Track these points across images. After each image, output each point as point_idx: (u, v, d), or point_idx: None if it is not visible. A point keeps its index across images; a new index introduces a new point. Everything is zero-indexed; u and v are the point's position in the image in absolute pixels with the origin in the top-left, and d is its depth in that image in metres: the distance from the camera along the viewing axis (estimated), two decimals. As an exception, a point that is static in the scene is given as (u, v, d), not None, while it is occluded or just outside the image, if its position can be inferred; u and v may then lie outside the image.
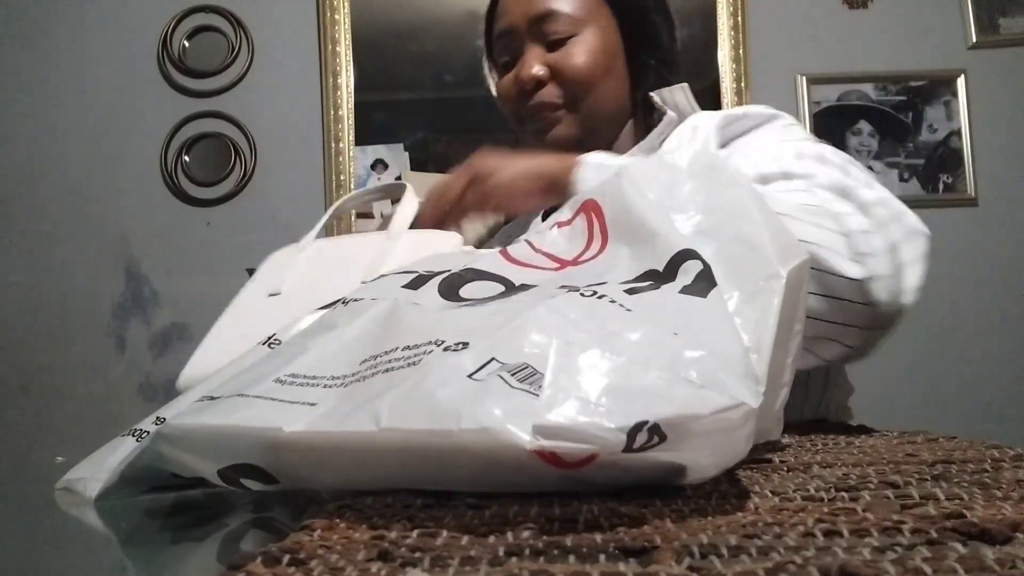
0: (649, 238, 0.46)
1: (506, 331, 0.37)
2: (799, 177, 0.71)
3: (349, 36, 2.36)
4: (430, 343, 0.40)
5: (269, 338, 0.54)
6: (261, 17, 2.37)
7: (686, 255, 0.44)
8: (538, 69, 0.88)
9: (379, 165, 2.37)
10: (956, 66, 2.39)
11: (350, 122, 2.34)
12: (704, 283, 0.41)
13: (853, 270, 0.62)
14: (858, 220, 0.65)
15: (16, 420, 2.23)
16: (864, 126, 2.39)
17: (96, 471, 0.49)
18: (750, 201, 0.48)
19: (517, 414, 0.32)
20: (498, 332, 0.37)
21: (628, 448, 0.32)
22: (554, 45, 0.88)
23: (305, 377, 0.41)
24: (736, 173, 0.52)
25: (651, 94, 0.94)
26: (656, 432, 0.32)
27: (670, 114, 0.92)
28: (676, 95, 0.94)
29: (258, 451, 0.40)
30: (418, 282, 0.49)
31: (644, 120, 0.95)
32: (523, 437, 0.31)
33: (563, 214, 0.55)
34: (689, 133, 0.85)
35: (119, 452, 0.49)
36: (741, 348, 0.38)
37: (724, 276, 0.43)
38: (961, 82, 2.38)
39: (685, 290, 0.41)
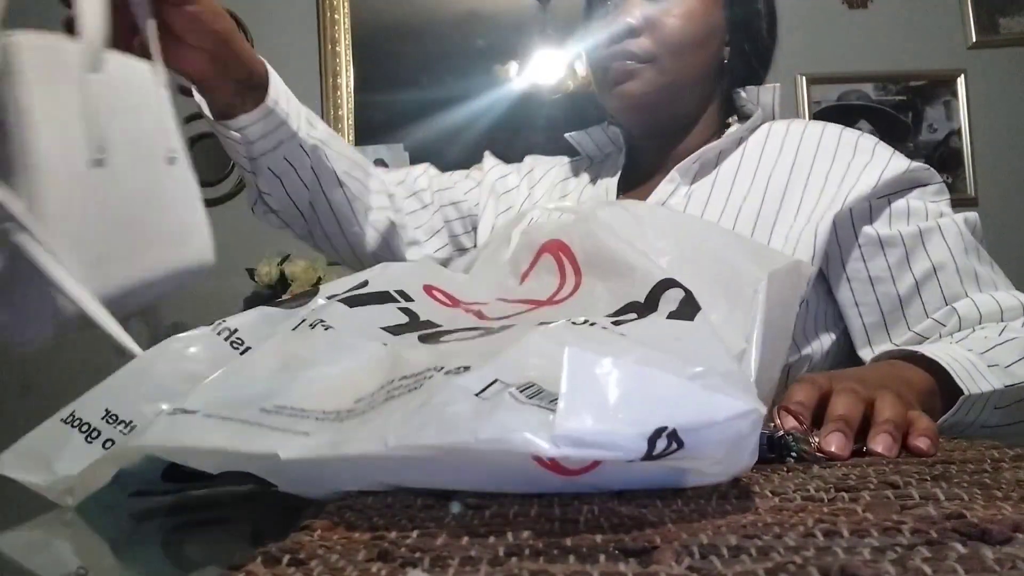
0: (626, 272, 0.48)
1: (505, 356, 0.37)
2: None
3: (349, 36, 2.37)
4: (429, 369, 0.40)
5: (232, 332, 0.52)
6: (261, 17, 2.37)
7: (666, 284, 0.45)
8: (633, 17, 0.86)
9: (379, 165, 2.37)
10: (956, 66, 2.40)
11: (350, 122, 2.35)
12: (688, 308, 0.42)
13: None
14: None
15: (16, 420, 2.23)
16: (864, 126, 2.40)
17: (42, 469, 0.47)
18: (715, 229, 0.50)
19: (534, 425, 0.32)
20: (497, 358, 0.37)
21: (648, 455, 0.31)
22: None
23: (293, 409, 0.41)
24: (690, 215, 0.54)
25: (739, 89, 0.93)
26: (674, 439, 0.32)
27: (759, 112, 0.91)
28: (764, 94, 0.92)
29: (252, 465, 0.39)
30: (398, 330, 0.49)
31: (723, 111, 0.94)
32: (543, 446, 0.31)
33: (521, 259, 0.56)
34: (842, 149, 0.85)
35: (67, 450, 0.48)
36: (734, 364, 0.38)
37: (708, 293, 0.44)
38: (961, 82, 2.39)
39: (671, 315, 0.42)
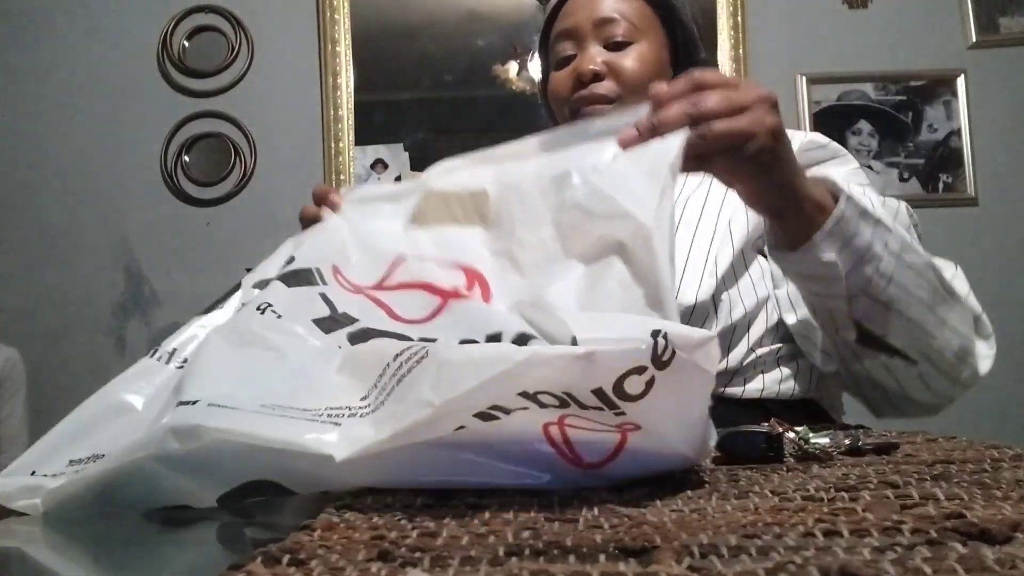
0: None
1: (480, 322, 0.39)
2: None
3: (349, 36, 2.36)
4: (418, 345, 0.40)
5: (155, 350, 0.55)
6: (261, 17, 2.37)
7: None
8: (598, 64, 0.95)
9: (379, 165, 2.37)
10: (956, 66, 2.39)
11: (350, 122, 2.34)
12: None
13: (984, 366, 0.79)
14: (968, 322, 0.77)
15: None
16: (864, 126, 2.39)
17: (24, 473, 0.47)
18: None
19: (555, 341, 0.34)
20: (474, 326, 0.39)
21: (656, 357, 0.33)
22: (613, 47, 0.96)
23: (294, 409, 0.41)
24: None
25: None
26: (668, 343, 0.34)
27: None
28: None
29: (281, 468, 0.39)
30: (325, 325, 0.52)
31: None
32: (575, 348, 0.33)
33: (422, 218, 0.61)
34: None
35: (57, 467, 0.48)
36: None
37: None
38: (961, 82, 2.38)
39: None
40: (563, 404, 0.34)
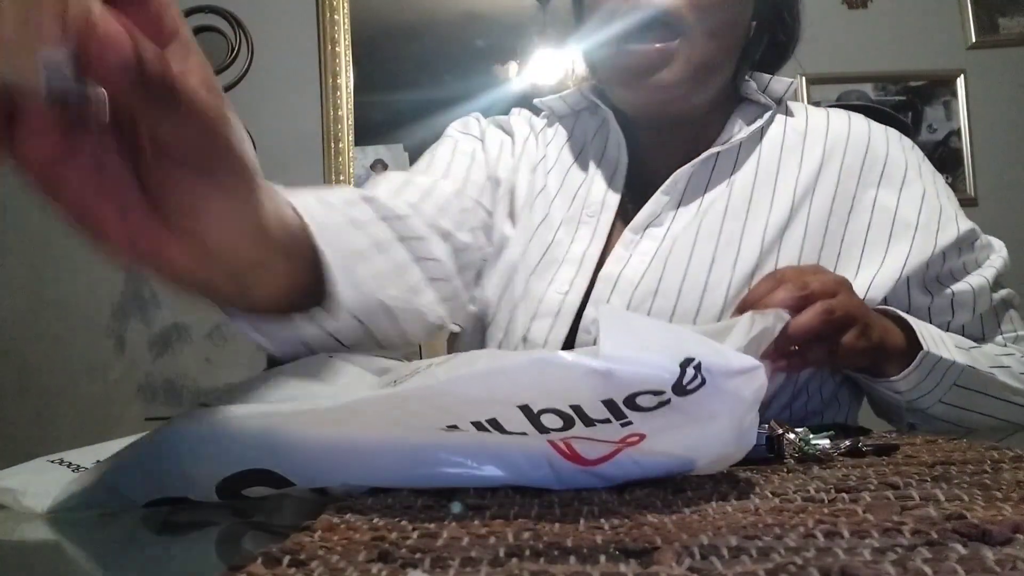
0: None
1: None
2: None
3: (349, 36, 2.37)
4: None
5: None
6: (261, 17, 2.37)
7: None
8: None
9: (379, 165, 2.37)
10: (956, 66, 2.40)
11: (350, 122, 2.35)
12: None
13: None
14: None
15: (16, 420, 2.23)
16: (864, 126, 2.40)
17: (27, 485, 0.47)
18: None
19: (578, 353, 0.33)
20: None
21: (679, 384, 0.33)
22: None
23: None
24: None
25: (747, 76, 0.82)
26: (699, 372, 0.33)
27: (769, 112, 0.83)
28: (777, 85, 0.83)
29: (278, 455, 0.40)
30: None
31: (731, 99, 0.83)
32: (592, 362, 0.32)
33: None
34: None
35: (55, 474, 0.48)
36: None
37: None
38: (960, 82, 2.39)
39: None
40: (567, 425, 0.34)
